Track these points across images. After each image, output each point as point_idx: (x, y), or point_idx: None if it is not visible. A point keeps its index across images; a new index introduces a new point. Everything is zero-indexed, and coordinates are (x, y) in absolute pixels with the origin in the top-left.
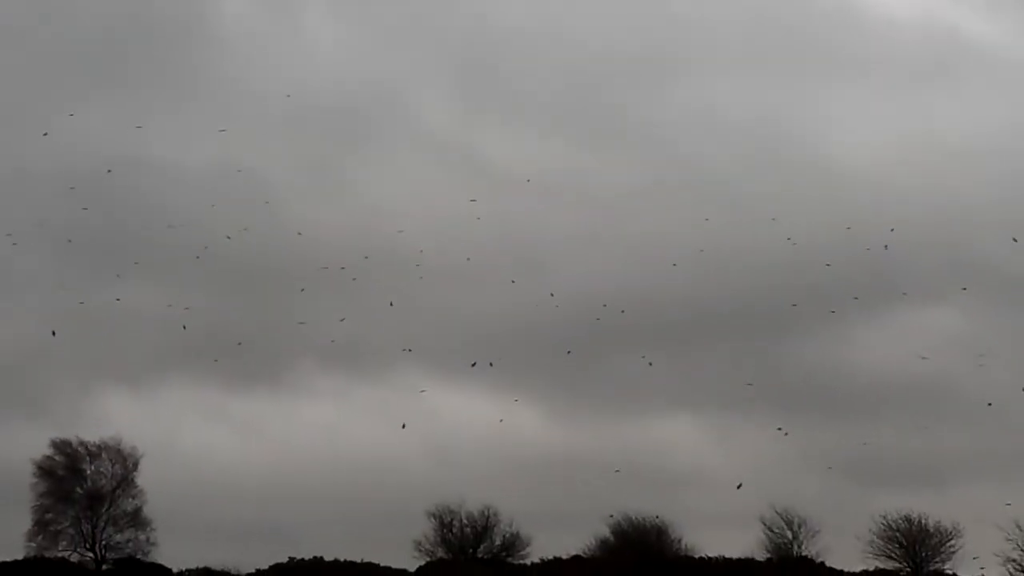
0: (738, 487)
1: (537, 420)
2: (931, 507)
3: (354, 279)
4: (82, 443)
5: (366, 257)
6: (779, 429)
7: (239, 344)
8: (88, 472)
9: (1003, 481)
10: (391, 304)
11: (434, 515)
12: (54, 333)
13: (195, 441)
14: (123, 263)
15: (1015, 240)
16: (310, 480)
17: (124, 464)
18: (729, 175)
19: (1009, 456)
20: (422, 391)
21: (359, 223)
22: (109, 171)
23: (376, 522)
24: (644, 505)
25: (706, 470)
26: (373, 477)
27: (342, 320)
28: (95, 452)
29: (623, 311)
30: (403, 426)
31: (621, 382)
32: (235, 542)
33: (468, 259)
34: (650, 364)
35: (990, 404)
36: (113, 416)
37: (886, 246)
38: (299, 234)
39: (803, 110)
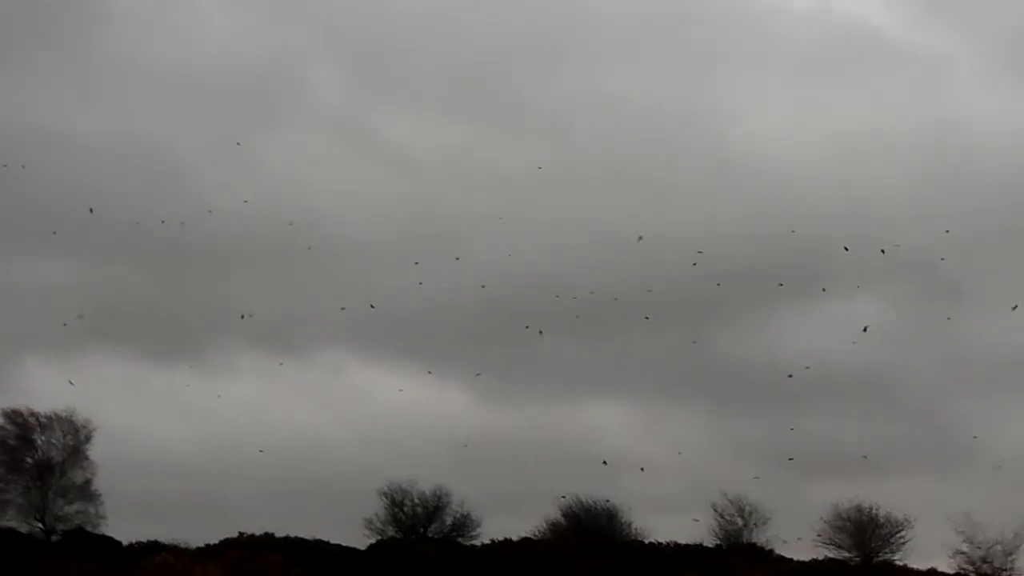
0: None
1: (466, 402)
2: (868, 497)
3: (270, 258)
4: (33, 413)
5: (280, 234)
6: (756, 478)
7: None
8: (39, 443)
9: (939, 473)
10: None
11: (385, 494)
12: None
13: (118, 415)
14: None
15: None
16: (236, 457)
17: (76, 436)
18: (631, 162)
19: (941, 447)
20: (351, 382)
21: (266, 201)
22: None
23: (308, 500)
24: (581, 488)
25: (639, 456)
26: (302, 455)
27: (265, 298)
28: (46, 423)
29: (557, 296)
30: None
31: (549, 366)
32: (166, 516)
33: (383, 239)
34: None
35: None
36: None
37: (793, 231)
38: (210, 211)
39: (701, 98)
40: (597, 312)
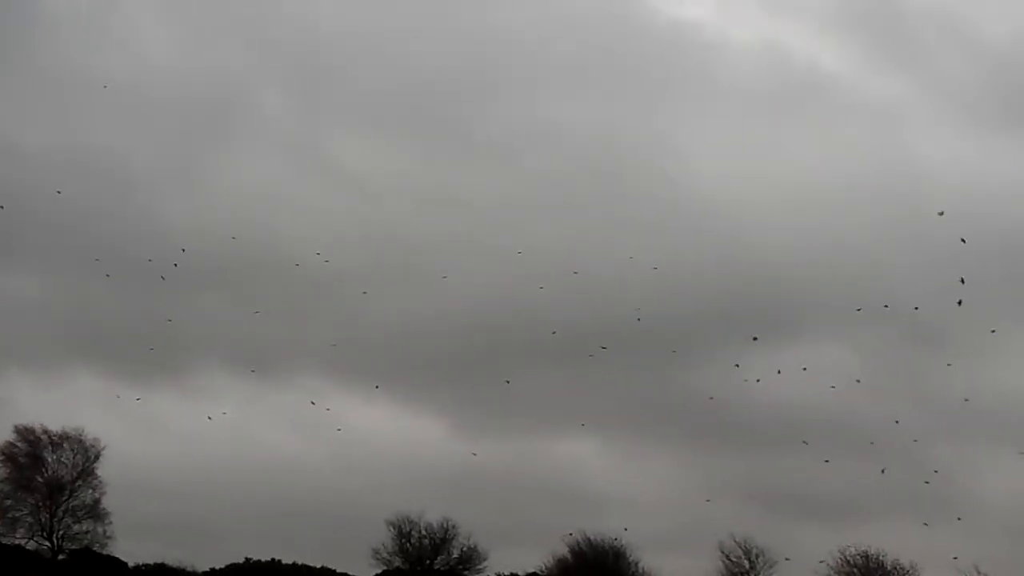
0: None
1: (442, 434)
2: (851, 540)
3: (237, 281)
4: (45, 431)
5: (242, 255)
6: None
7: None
8: (49, 461)
9: (918, 518)
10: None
11: (393, 524)
12: None
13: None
14: None
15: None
16: (217, 479)
17: (86, 455)
18: (580, 193)
19: (919, 493)
20: (327, 409)
21: (224, 221)
22: None
23: (288, 526)
24: (567, 524)
25: (618, 493)
26: (280, 480)
27: (240, 323)
28: (57, 441)
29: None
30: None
31: (523, 399)
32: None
33: (346, 264)
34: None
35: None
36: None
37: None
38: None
39: (646, 132)
40: (567, 345)
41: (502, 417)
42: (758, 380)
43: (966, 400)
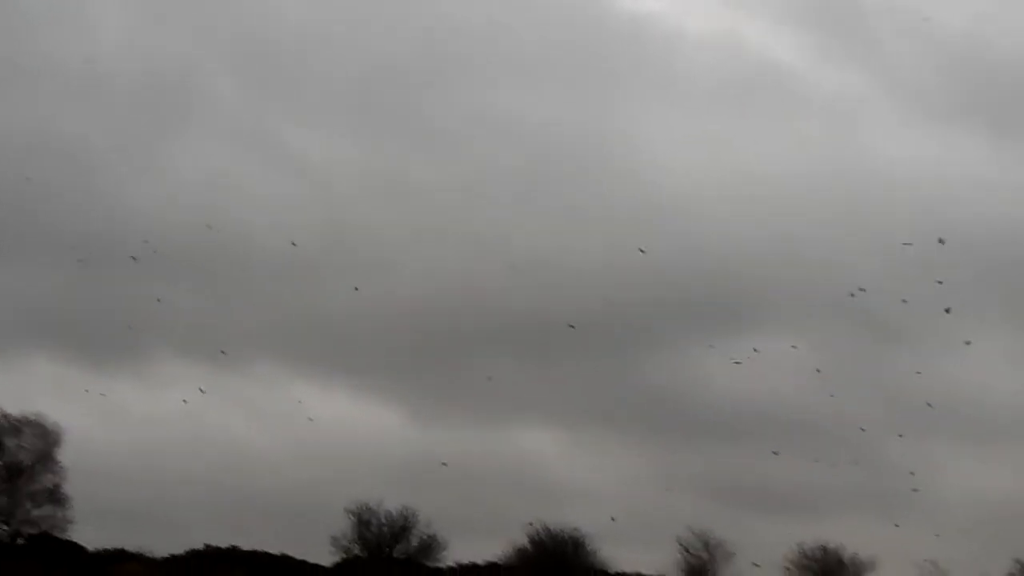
0: None
1: (400, 421)
2: (807, 534)
3: (195, 264)
4: (5, 415)
5: (200, 240)
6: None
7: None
8: (9, 446)
9: (876, 514)
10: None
11: (353, 512)
12: None
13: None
14: None
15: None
16: (175, 465)
17: (45, 439)
18: (534, 183)
19: (877, 488)
20: (299, 402)
21: (181, 207)
22: None
23: (247, 512)
24: (525, 514)
25: (575, 483)
26: (239, 467)
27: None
28: (17, 426)
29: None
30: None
31: (480, 388)
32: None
33: (300, 251)
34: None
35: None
36: None
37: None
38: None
39: (602, 124)
40: (526, 334)
41: (460, 406)
42: (738, 362)
43: (929, 405)
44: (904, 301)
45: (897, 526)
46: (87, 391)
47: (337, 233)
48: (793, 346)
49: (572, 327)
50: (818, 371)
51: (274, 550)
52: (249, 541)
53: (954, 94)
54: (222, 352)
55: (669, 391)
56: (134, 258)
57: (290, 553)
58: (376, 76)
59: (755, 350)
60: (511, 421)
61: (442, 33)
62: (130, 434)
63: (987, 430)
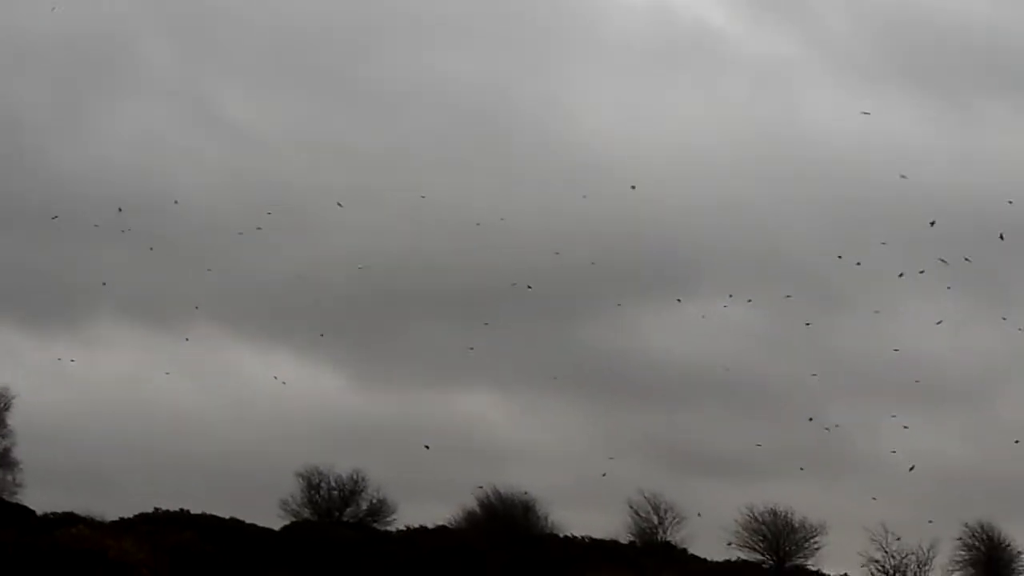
0: None
1: (341, 384)
2: (751, 497)
3: (125, 230)
4: None
5: (119, 210)
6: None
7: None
8: None
9: (816, 476)
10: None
11: (302, 476)
12: None
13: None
14: None
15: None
16: (119, 428)
17: None
18: (467, 146)
19: (817, 451)
20: (274, 377)
21: (114, 167)
22: None
23: (191, 475)
24: (471, 477)
25: (520, 446)
26: (182, 431)
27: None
28: None
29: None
30: None
31: (419, 351)
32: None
33: (237, 214)
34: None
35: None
36: None
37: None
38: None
39: (534, 85)
40: (467, 296)
41: (401, 369)
42: (703, 316)
43: (871, 367)
44: (840, 257)
45: (839, 488)
46: (59, 359)
47: (275, 194)
48: (724, 306)
49: (514, 285)
50: (761, 334)
51: (223, 514)
52: (199, 505)
53: (886, 60)
54: (154, 320)
55: (611, 354)
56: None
57: (240, 517)
58: (310, 38)
59: (703, 317)
60: (454, 384)
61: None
62: (71, 396)
63: (936, 394)
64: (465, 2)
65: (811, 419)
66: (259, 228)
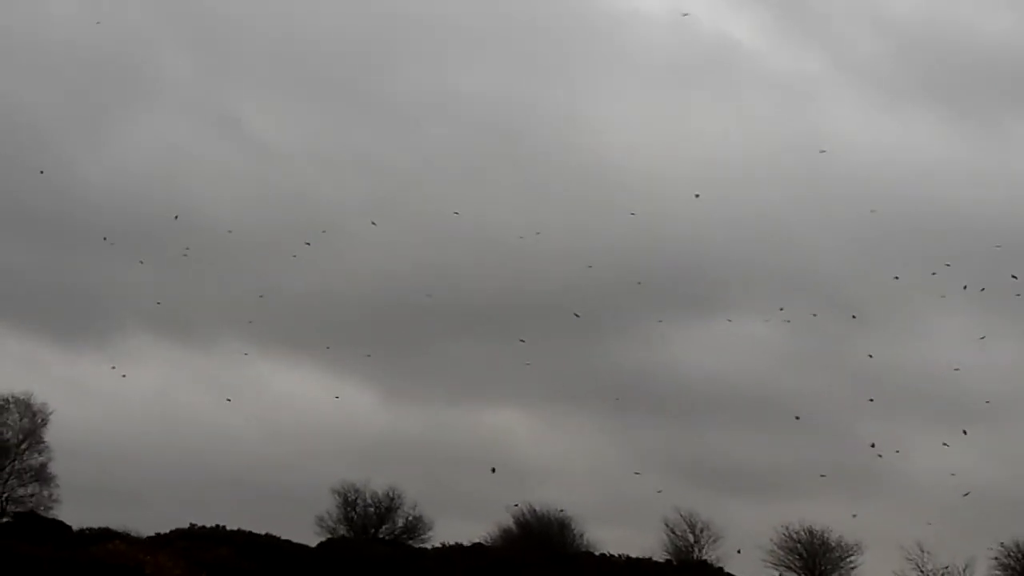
0: None
1: (372, 400)
2: (779, 515)
3: (161, 243)
4: None
5: (176, 217)
6: (659, 492)
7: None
8: None
9: (850, 495)
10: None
11: (339, 492)
12: None
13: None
14: None
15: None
16: (151, 444)
17: (32, 419)
18: (490, 162)
19: (850, 470)
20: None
21: (138, 181)
22: None
23: (221, 492)
24: (502, 495)
25: (550, 464)
26: (214, 447)
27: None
28: (3, 405)
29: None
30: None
31: (448, 368)
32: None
33: (261, 229)
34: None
35: (797, 418)
36: None
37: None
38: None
39: (557, 101)
40: (491, 313)
41: (429, 386)
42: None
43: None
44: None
45: (870, 506)
46: (113, 367)
47: (299, 208)
48: (766, 320)
49: (557, 308)
50: (790, 352)
51: (259, 530)
52: (235, 521)
53: (909, 77)
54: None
55: (638, 371)
56: (104, 238)
57: (276, 533)
58: (334, 52)
59: (728, 320)
60: (481, 402)
61: (397, 7)
62: (101, 412)
63: (965, 413)
64: (489, 17)
65: (872, 445)
66: (285, 242)
